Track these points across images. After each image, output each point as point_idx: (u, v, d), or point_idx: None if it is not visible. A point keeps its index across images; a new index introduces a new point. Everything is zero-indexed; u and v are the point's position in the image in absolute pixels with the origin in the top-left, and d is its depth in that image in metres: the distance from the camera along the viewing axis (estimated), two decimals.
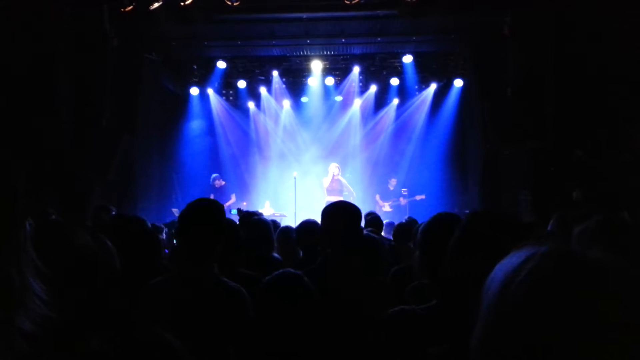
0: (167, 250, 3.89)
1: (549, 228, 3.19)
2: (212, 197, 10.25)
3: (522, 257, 0.70)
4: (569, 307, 0.63)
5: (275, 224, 4.53)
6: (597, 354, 0.61)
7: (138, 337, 0.98)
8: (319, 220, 3.57)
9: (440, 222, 1.77)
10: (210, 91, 12.00)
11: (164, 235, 5.06)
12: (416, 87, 12.02)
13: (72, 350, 0.86)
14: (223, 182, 10.77)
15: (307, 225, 3.57)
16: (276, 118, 12.49)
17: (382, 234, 5.41)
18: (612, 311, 0.62)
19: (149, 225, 3.08)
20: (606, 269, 0.67)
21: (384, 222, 5.88)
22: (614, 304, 0.63)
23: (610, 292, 0.64)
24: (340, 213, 2.44)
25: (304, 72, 11.83)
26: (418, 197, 10.90)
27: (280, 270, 1.90)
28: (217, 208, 2.32)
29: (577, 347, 0.62)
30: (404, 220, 5.64)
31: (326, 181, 10.30)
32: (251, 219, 4.28)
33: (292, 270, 1.90)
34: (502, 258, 1.13)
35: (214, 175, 10.86)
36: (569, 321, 0.63)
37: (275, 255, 3.71)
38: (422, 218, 7.24)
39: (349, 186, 10.41)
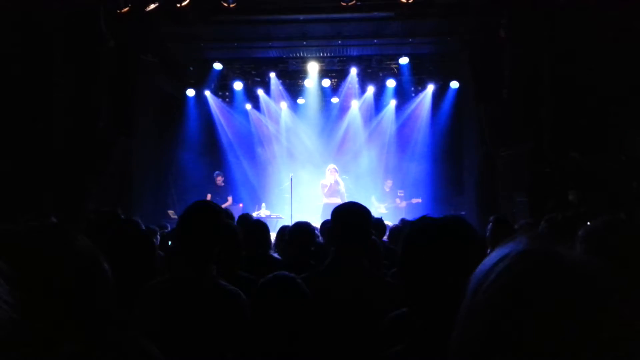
0: (161, 253, 3.88)
1: (539, 231, 3.19)
2: (209, 197, 10.26)
3: (497, 257, 0.69)
4: (534, 310, 0.61)
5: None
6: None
7: (113, 342, 0.98)
8: (312, 222, 3.56)
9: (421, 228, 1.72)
10: (207, 93, 11.99)
11: (158, 237, 5.04)
12: (412, 88, 12.04)
13: (45, 352, 0.85)
14: (222, 183, 10.75)
15: (301, 226, 3.59)
16: (273, 120, 12.49)
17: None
18: (578, 315, 0.60)
19: (143, 227, 3.07)
20: (580, 273, 0.64)
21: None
22: (583, 309, 0.61)
23: (581, 297, 0.61)
24: (353, 213, 2.44)
25: (301, 74, 11.84)
26: (414, 201, 10.91)
27: (275, 273, 1.90)
28: (215, 210, 2.32)
29: (537, 352, 0.60)
30: (398, 223, 5.62)
31: (325, 183, 10.28)
32: (249, 220, 4.29)
33: (286, 272, 1.89)
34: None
35: (216, 172, 10.83)
36: (533, 325, 0.61)
37: (274, 254, 3.73)
38: None
39: (344, 188, 10.41)
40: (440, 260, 1.25)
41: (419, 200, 10.86)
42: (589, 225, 1.90)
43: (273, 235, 4.83)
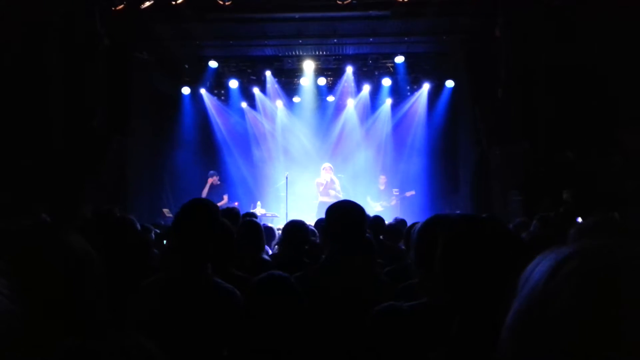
0: (156, 251, 3.88)
1: (531, 229, 3.20)
2: (205, 191, 10.25)
3: (557, 258, 0.67)
4: (613, 310, 0.60)
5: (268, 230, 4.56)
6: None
7: (112, 340, 0.98)
8: (308, 220, 3.55)
9: (437, 225, 1.76)
10: (202, 91, 11.97)
11: (153, 235, 5.03)
12: (408, 87, 12.06)
13: (41, 349, 0.85)
14: (218, 182, 10.75)
15: (294, 225, 3.58)
16: (269, 118, 12.48)
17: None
18: None
19: (138, 225, 3.07)
20: None
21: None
22: None
23: None
24: (348, 211, 2.43)
25: (296, 72, 11.83)
26: (408, 194, 10.93)
27: (269, 271, 1.90)
28: (211, 208, 2.32)
29: (618, 348, 0.59)
30: (392, 221, 5.63)
31: (320, 181, 10.29)
32: (244, 220, 4.28)
33: (280, 271, 1.90)
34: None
35: (212, 172, 10.81)
36: (615, 324, 0.59)
37: (265, 256, 3.72)
38: (412, 218, 7.27)
39: (339, 187, 10.42)
40: (487, 258, 1.25)
41: (413, 192, 10.88)
42: (579, 223, 1.92)
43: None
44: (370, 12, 8.85)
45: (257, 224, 3.69)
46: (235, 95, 12.16)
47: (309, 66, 11.42)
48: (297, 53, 11.31)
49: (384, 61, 11.62)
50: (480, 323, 1.23)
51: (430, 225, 1.78)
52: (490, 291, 1.22)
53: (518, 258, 1.25)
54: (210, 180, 10.56)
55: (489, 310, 1.22)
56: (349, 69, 11.52)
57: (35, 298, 0.99)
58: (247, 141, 12.50)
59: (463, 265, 1.29)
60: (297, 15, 9.00)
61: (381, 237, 4.83)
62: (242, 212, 6.07)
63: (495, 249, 1.26)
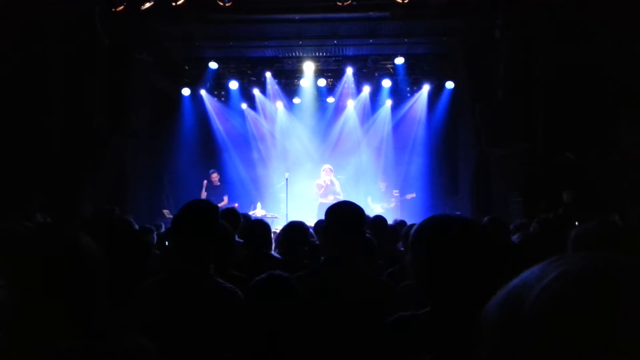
0: (157, 252, 3.88)
1: (530, 230, 3.20)
2: (204, 190, 10.24)
3: (567, 257, 0.65)
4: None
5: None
6: None
7: (112, 338, 0.98)
8: (308, 222, 3.56)
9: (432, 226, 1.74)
10: (203, 92, 11.97)
11: (154, 236, 5.02)
12: (408, 88, 12.06)
13: (44, 348, 0.85)
14: (219, 182, 10.74)
15: (293, 226, 3.59)
16: (269, 119, 12.48)
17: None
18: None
19: (136, 226, 3.07)
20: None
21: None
22: None
23: None
24: (347, 212, 2.43)
25: (296, 74, 11.83)
26: (409, 196, 10.92)
27: (269, 272, 1.90)
28: (211, 209, 2.33)
29: None
30: (392, 222, 5.63)
31: (320, 183, 10.29)
32: (251, 219, 4.30)
33: (281, 272, 1.89)
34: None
35: (212, 170, 10.81)
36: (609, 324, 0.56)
37: (274, 254, 3.73)
38: (412, 219, 7.26)
39: (339, 188, 10.41)
40: (468, 260, 1.24)
41: (413, 195, 10.87)
42: (580, 226, 1.91)
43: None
44: (370, 13, 8.86)
45: (266, 223, 3.74)
46: (235, 97, 12.16)
47: (309, 67, 11.42)
48: (297, 54, 11.31)
49: (383, 62, 11.63)
50: (460, 327, 1.22)
51: (425, 229, 1.77)
52: (466, 296, 1.21)
53: (493, 265, 1.25)
54: (213, 179, 10.55)
55: (467, 314, 1.22)
56: (349, 70, 11.52)
57: (43, 298, 0.99)
58: (247, 142, 12.49)
59: (438, 272, 1.28)
60: (297, 16, 9.01)
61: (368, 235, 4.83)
62: (242, 213, 6.06)
63: (469, 256, 1.25)
